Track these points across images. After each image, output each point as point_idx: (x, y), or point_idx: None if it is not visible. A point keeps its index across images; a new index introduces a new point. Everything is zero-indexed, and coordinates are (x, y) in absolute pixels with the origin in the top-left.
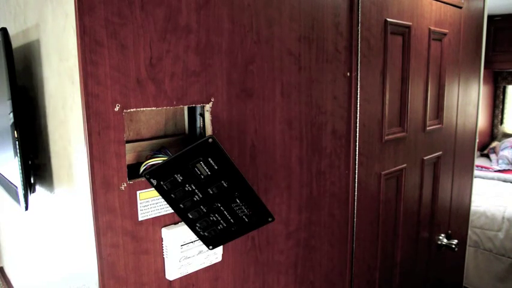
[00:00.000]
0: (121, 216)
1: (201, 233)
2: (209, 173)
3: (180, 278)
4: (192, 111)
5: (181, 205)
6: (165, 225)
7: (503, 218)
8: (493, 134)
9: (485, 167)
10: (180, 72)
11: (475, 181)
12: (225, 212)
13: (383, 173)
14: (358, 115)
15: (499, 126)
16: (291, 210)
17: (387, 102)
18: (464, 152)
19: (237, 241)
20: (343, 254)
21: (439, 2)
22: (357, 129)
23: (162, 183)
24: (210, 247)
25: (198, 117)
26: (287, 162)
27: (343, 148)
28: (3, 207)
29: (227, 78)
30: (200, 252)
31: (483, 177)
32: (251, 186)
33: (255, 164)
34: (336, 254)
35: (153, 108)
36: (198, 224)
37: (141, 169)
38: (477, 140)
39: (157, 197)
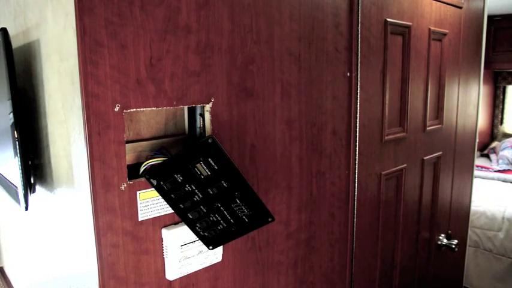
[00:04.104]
0: (121, 216)
1: (201, 233)
2: (209, 173)
3: (180, 278)
4: (192, 111)
5: (181, 205)
6: (165, 226)
7: (503, 218)
8: (493, 134)
9: (485, 167)
10: (180, 72)
11: (475, 181)
12: (225, 212)
13: (383, 173)
14: (358, 115)
15: (499, 126)
16: (291, 210)
17: (387, 102)
18: (464, 152)
19: (237, 241)
20: (343, 254)
21: (439, 2)
22: (357, 129)
23: (162, 183)
24: (210, 247)
25: (198, 118)
26: (287, 162)
27: (343, 148)
28: (3, 207)
29: (227, 78)
30: (200, 252)
31: (483, 177)
32: (251, 186)
33: (255, 164)
34: (336, 254)
35: (153, 108)
36: (198, 224)
37: (141, 169)
38: (477, 140)
39: (157, 197)
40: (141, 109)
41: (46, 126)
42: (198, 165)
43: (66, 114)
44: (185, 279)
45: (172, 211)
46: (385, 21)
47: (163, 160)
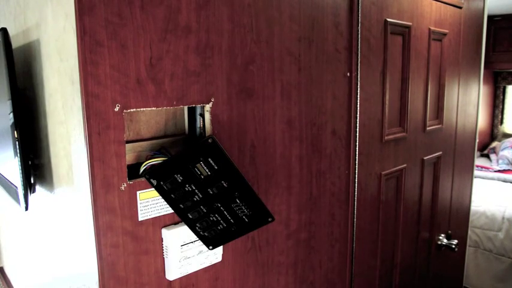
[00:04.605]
0: (121, 216)
1: (201, 233)
2: (209, 173)
3: (180, 278)
4: (192, 111)
5: (181, 205)
6: (165, 226)
7: (503, 218)
8: (493, 134)
9: (485, 167)
10: (180, 72)
11: (475, 181)
12: (225, 212)
13: (383, 173)
14: (358, 115)
15: (499, 126)
16: (291, 210)
17: (387, 102)
18: (464, 152)
19: (237, 241)
20: (343, 254)
21: (439, 2)
22: (357, 129)
23: (162, 183)
24: (210, 247)
25: (198, 117)
26: (287, 162)
27: (343, 148)
28: (3, 207)
29: (227, 78)
30: (200, 252)
31: (483, 177)
32: (251, 186)
33: (255, 164)
34: (336, 254)
35: (153, 108)
36: (198, 224)
37: (141, 169)
38: (477, 140)
39: (157, 197)
40: (141, 109)
41: (46, 126)
42: (198, 165)
43: (66, 114)
44: (185, 279)
45: (172, 211)
46: (385, 21)
47: (163, 160)
